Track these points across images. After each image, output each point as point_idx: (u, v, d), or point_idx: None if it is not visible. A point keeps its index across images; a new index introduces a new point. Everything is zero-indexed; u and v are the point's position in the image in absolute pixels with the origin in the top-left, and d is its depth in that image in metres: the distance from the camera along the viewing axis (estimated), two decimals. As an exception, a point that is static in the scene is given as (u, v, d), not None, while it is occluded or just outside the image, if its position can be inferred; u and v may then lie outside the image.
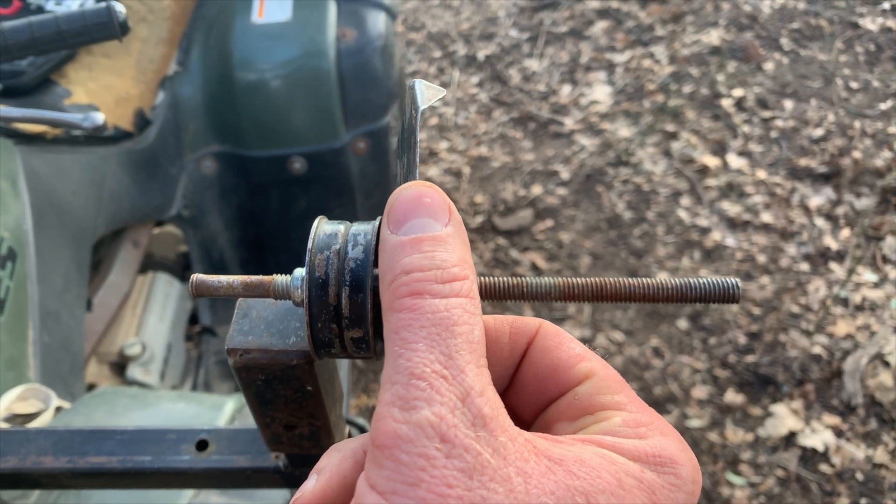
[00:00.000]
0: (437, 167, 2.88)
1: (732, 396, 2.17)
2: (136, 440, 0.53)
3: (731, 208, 2.65)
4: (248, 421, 0.93)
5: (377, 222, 0.37)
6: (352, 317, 0.36)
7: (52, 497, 0.92)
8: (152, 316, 1.67)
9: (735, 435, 2.09)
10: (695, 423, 2.11)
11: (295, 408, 0.45)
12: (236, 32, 1.74)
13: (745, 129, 2.94)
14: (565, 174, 2.86)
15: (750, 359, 2.25)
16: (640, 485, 0.27)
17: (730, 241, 2.57)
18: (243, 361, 0.41)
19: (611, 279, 0.37)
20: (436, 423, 0.25)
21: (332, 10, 1.77)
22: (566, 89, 3.23)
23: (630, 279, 0.37)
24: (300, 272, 0.38)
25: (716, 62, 3.23)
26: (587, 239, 2.62)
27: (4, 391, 0.89)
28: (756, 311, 2.37)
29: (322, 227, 0.37)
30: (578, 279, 0.37)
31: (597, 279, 0.37)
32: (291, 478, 0.52)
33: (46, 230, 1.26)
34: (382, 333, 0.32)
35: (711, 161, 2.82)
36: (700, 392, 2.19)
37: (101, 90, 1.56)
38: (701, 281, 0.37)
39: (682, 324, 2.36)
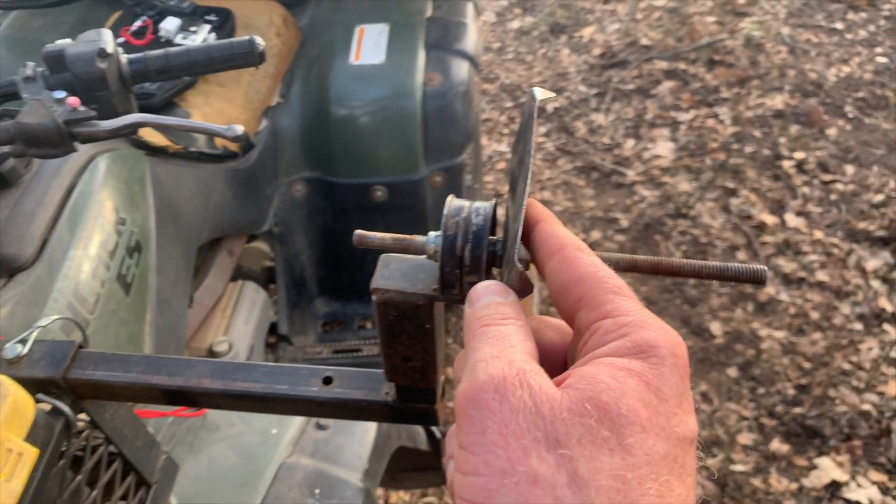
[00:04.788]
0: (502, 207, 3.02)
1: (778, 445, 2.22)
2: (276, 373, 0.67)
3: (787, 265, 2.72)
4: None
5: (493, 201, 0.51)
6: (471, 266, 0.50)
7: (173, 443, 1.08)
8: (239, 319, 1.84)
9: (779, 483, 2.13)
10: (739, 467, 2.17)
11: (414, 342, 0.58)
12: (334, 71, 1.93)
13: (805, 190, 3.01)
14: (624, 222, 2.97)
15: (797, 410, 2.30)
16: (630, 373, 0.36)
17: (784, 296, 2.63)
18: (383, 299, 0.55)
19: (644, 257, 0.49)
20: (492, 380, 0.38)
21: (421, 57, 1.95)
22: (630, 143, 3.36)
23: (672, 259, 0.50)
24: (433, 234, 0.52)
25: (779, 125, 3.32)
26: (643, 285, 2.72)
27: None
28: (806, 365, 2.42)
29: (454, 202, 0.52)
30: (625, 255, 0.50)
31: (636, 257, 0.49)
32: (397, 411, 0.65)
33: (164, 229, 1.44)
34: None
35: (769, 219, 2.90)
36: (745, 439, 2.24)
37: (214, 114, 1.76)
38: (733, 265, 0.49)
39: (732, 372, 2.42)
